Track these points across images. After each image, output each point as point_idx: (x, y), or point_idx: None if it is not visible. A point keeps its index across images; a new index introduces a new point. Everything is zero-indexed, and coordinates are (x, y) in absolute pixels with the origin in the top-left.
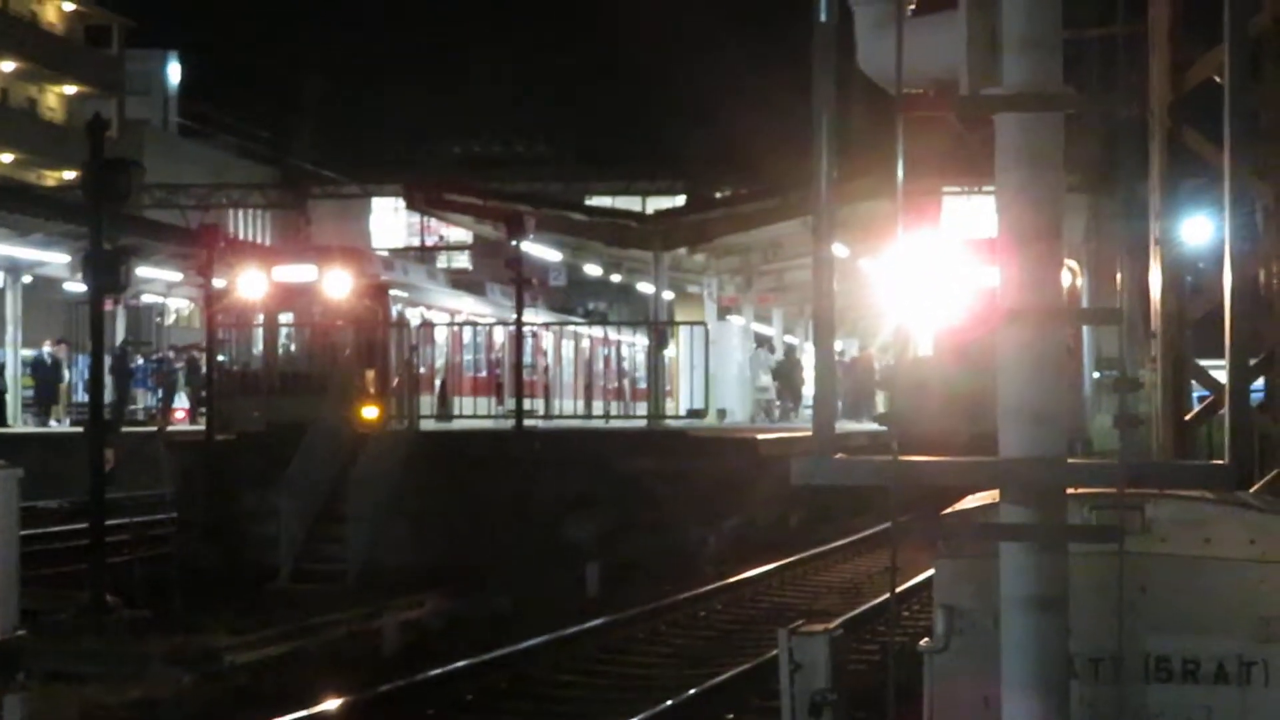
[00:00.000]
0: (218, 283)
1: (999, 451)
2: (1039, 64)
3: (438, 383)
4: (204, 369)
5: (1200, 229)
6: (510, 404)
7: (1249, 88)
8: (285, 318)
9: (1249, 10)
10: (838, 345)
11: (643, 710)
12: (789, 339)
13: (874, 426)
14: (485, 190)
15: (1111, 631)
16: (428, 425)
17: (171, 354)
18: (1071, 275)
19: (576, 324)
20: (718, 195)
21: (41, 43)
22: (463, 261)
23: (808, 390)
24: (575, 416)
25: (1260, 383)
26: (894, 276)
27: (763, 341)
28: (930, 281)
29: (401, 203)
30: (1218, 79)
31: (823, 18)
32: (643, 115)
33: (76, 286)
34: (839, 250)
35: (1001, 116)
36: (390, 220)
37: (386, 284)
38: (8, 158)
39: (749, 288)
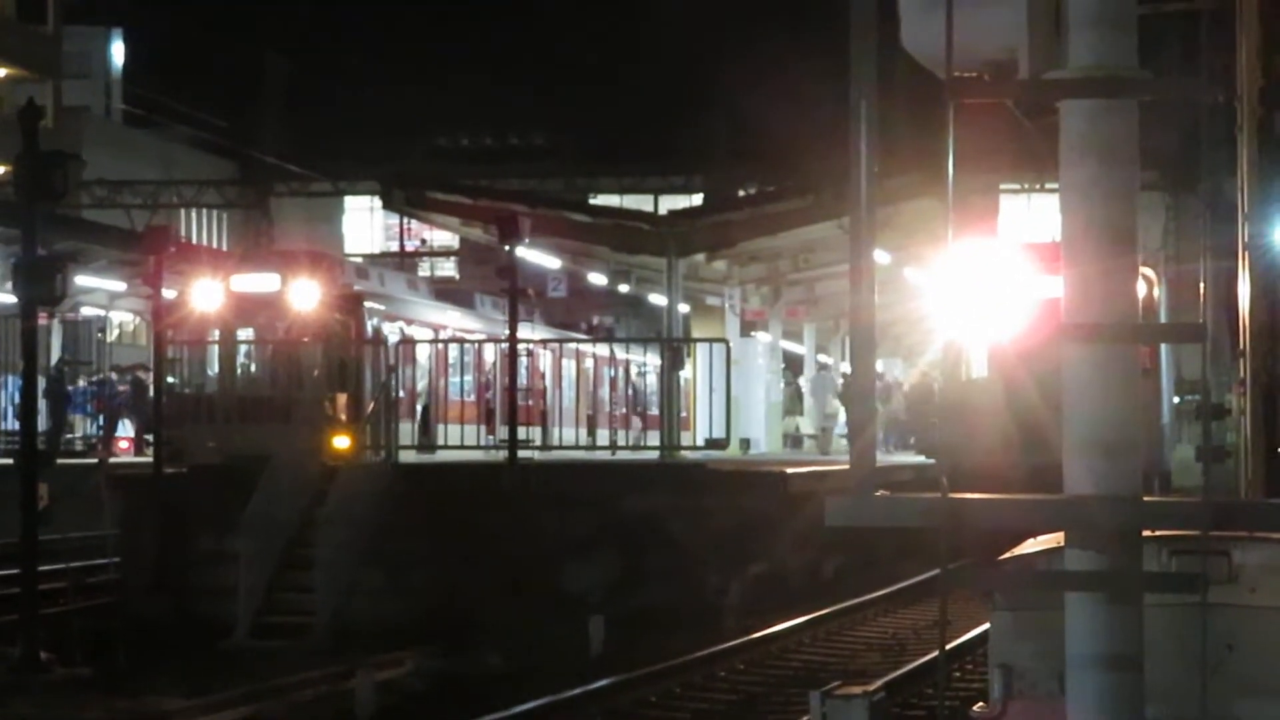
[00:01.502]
0: (167, 293)
1: (1064, 488)
2: (1110, 44)
3: (419, 408)
4: (151, 392)
5: None
6: (503, 433)
7: None
8: (245, 333)
9: None
10: (878, 366)
11: None
12: (822, 358)
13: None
14: (474, 188)
15: (1194, 694)
16: (408, 457)
17: (114, 375)
18: (1148, 285)
19: (579, 341)
20: (741, 194)
21: None
22: (449, 270)
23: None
24: (577, 447)
25: None
26: (943, 285)
27: (822, 366)
28: (985, 291)
29: (378, 202)
30: None
31: None
32: (655, 102)
33: (4, 298)
34: (880, 256)
35: (1067, 104)
36: (365, 222)
37: (361, 295)
38: None
39: (776, 299)
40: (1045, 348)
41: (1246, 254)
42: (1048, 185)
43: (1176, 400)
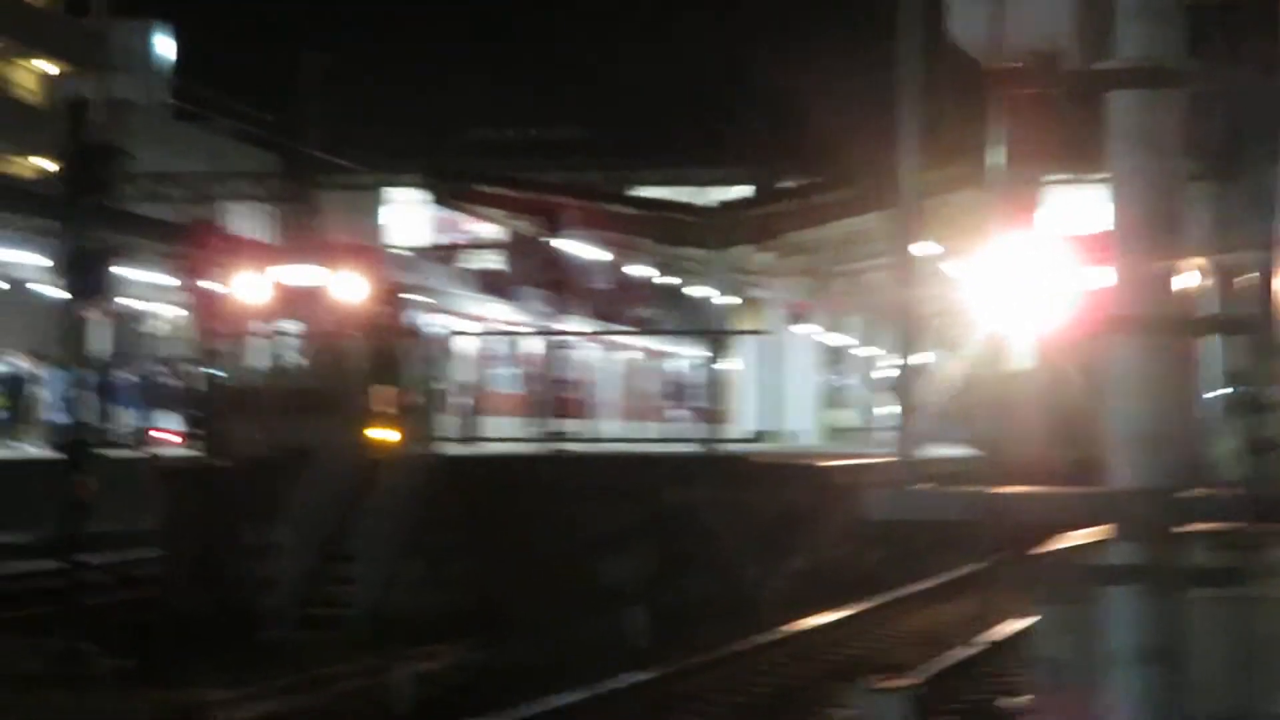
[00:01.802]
0: (213, 286)
1: (1108, 481)
2: (1157, 34)
3: (464, 401)
4: (198, 385)
5: None
6: (546, 425)
7: None
8: (290, 326)
9: None
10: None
11: None
12: (867, 350)
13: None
14: (519, 180)
15: (1236, 688)
16: (451, 449)
17: (161, 368)
18: (1200, 274)
19: (623, 333)
20: (785, 185)
21: (13, 12)
22: (492, 262)
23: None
24: (621, 440)
25: None
26: (986, 276)
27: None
28: (1028, 282)
29: (420, 195)
30: None
31: None
32: (698, 93)
33: (51, 291)
34: (926, 248)
35: (1114, 94)
36: (408, 215)
37: (405, 287)
38: None
39: (821, 291)
40: (1090, 339)
41: None
42: (1094, 176)
43: (1221, 393)
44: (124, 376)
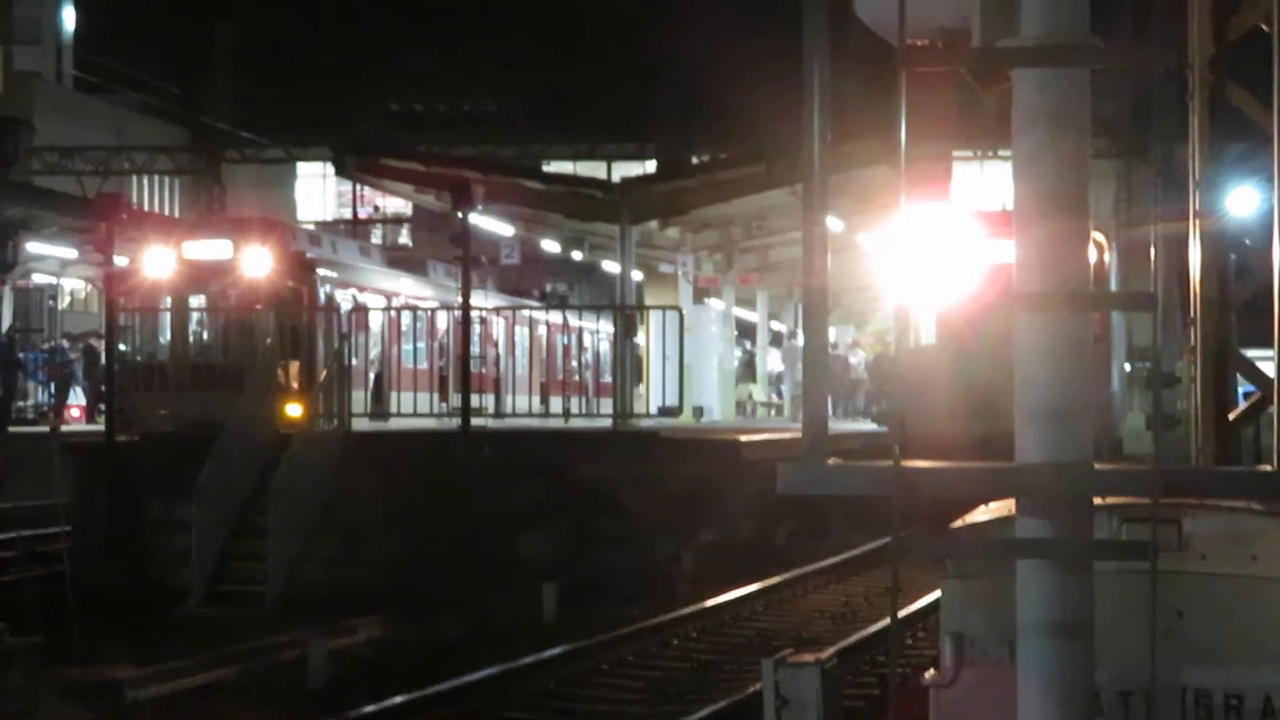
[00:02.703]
0: (119, 260)
1: (1015, 456)
2: (1062, 11)
3: (372, 376)
4: (103, 360)
5: (1247, 200)
6: (456, 401)
7: None
8: (197, 301)
9: None
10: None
11: None
12: (775, 325)
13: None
14: (427, 154)
15: (1144, 662)
16: (361, 425)
17: (66, 343)
18: (1098, 250)
19: (532, 308)
20: (694, 161)
21: None
22: (401, 237)
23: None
24: (530, 415)
25: None
26: (893, 251)
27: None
28: (935, 256)
29: (330, 169)
30: (1265, 28)
31: None
32: (607, 68)
33: None
34: (833, 224)
35: (1020, 72)
36: (318, 189)
37: (313, 262)
38: None
39: (730, 267)
40: (993, 314)
41: (1198, 222)
42: (1000, 153)
43: (1128, 368)
44: (30, 351)
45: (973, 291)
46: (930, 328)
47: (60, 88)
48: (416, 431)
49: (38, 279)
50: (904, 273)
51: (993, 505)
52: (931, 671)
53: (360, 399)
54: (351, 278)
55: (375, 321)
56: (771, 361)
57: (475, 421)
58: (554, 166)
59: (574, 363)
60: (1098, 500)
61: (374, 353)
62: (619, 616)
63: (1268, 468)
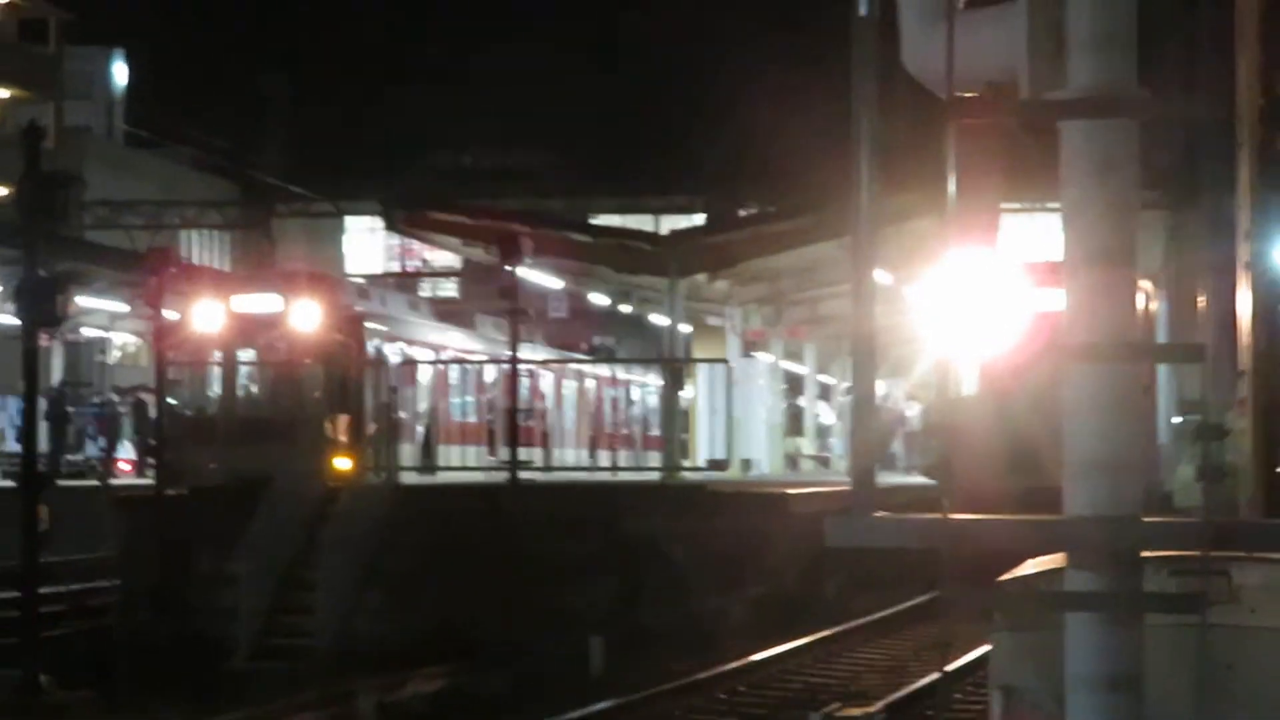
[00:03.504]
0: (169, 314)
1: (1064, 508)
2: (1110, 63)
3: (421, 429)
4: (153, 413)
5: None
6: (504, 453)
7: None
8: (246, 354)
9: None
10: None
11: None
12: (823, 378)
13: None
14: (475, 208)
15: (1193, 716)
16: (409, 478)
17: (115, 396)
18: (1145, 298)
19: (580, 362)
20: (742, 214)
21: None
22: (450, 290)
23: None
24: (578, 468)
25: None
26: (935, 300)
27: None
28: (976, 306)
29: (379, 223)
30: None
31: (863, 10)
32: (656, 121)
33: (5, 319)
34: (881, 276)
35: (1067, 123)
36: (367, 243)
37: (362, 315)
38: None
39: (778, 320)
40: (1036, 365)
41: (1247, 273)
42: (1049, 205)
43: (1177, 420)
44: (80, 404)
45: (1017, 342)
46: (973, 379)
47: (111, 143)
48: (465, 485)
49: (87, 333)
50: (946, 322)
51: (1043, 558)
52: None
53: (409, 452)
54: (400, 331)
55: (424, 375)
56: (822, 414)
57: (523, 474)
58: (601, 219)
59: (622, 415)
60: (1147, 553)
61: (422, 406)
62: (667, 669)
63: None
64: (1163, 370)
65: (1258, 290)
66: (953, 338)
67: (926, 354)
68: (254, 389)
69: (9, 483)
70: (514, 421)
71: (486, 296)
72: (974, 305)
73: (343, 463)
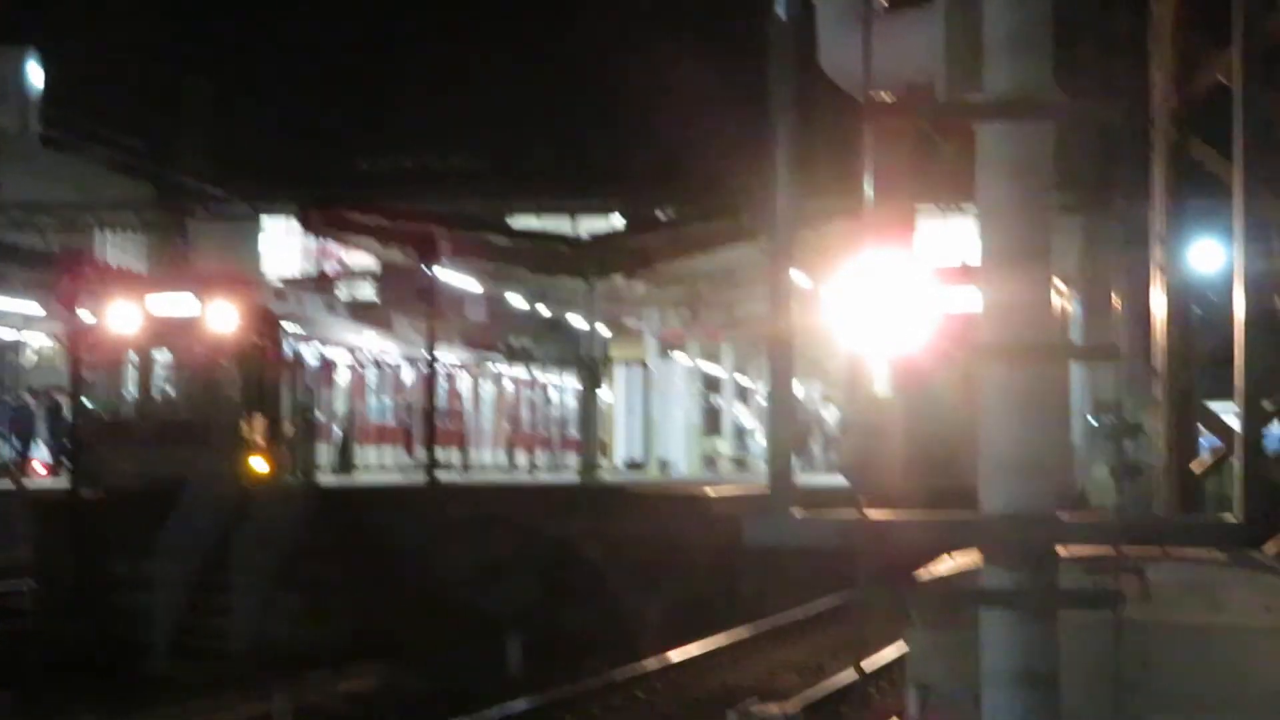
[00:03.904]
0: (83, 315)
1: (981, 506)
2: (1026, 67)
3: (338, 430)
4: (68, 415)
5: (1209, 254)
6: (421, 455)
7: (1262, 94)
8: (162, 356)
9: (1262, 7)
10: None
11: None
12: (741, 379)
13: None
14: (392, 209)
15: (1109, 712)
16: (326, 480)
17: (30, 398)
18: (1060, 299)
19: (497, 363)
20: (660, 216)
21: None
22: (368, 293)
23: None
24: (496, 469)
25: (1277, 428)
26: (850, 301)
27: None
28: (889, 307)
29: (297, 225)
30: (1227, 83)
31: (781, 13)
32: (573, 124)
33: None
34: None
35: (984, 125)
36: (284, 245)
37: (279, 317)
38: None
39: (695, 321)
40: (944, 365)
41: (1161, 276)
42: (965, 206)
43: (1092, 421)
44: None
45: (924, 342)
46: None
47: (26, 143)
48: (382, 486)
49: (1, 334)
50: (859, 323)
51: (958, 557)
52: None
53: (326, 453)
54: (317, 332)
55: (341, 376)
56: (739, 414)
57: (441, 476)
58: (520, 222)
59: (540, 417)
60: (1062, 551)
61: (340, 407)
62: (585, 669)
63: (1230, 518)
64: (1077, 371)
65: (1171, 292)
66: (866, 338)
67: (841, 355)
68: (170, 391)
69: None
70: (431, 423)
71: (404, 298)
72: (887, 306)
73: (259, 464)
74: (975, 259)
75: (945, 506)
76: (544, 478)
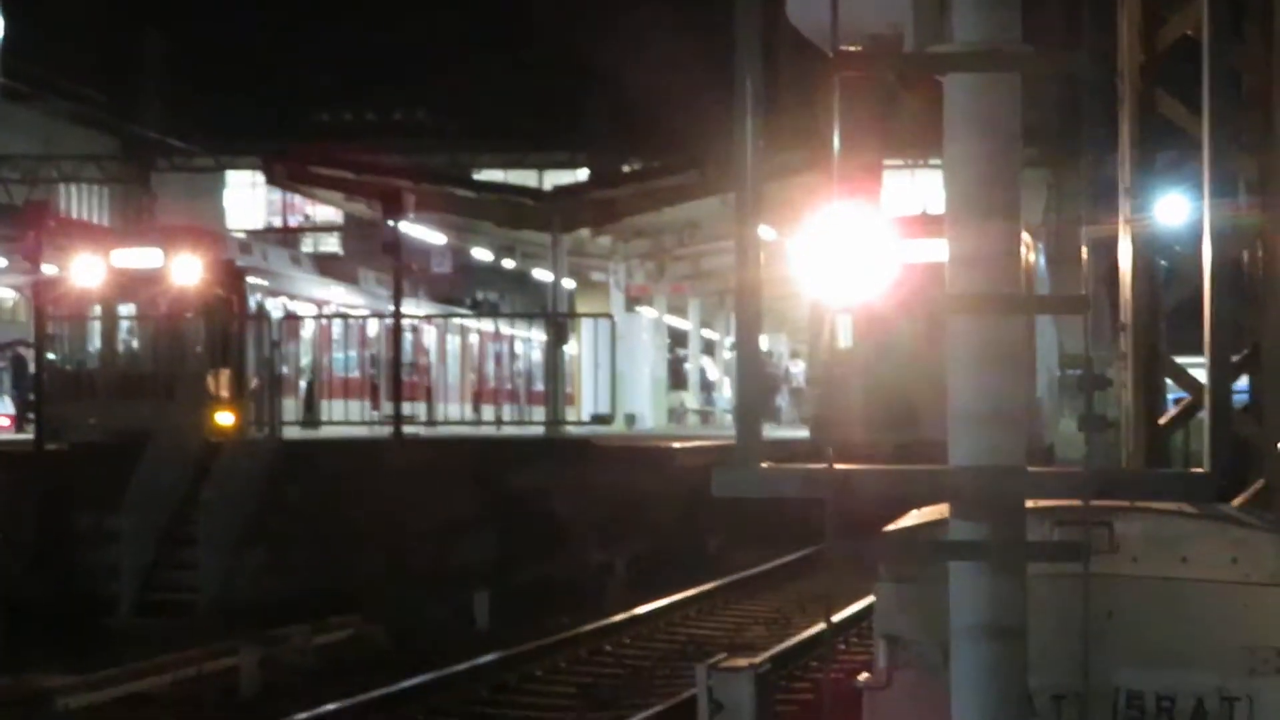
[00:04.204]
0: (47, 269)
1: (949, 459)
2: (993, 18)
3: (303, 384)
4: (32, 368)
5: (1176, 208)
6: (387, 409)
7: (1230, 48)
8: (126, 309)
9: None
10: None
11: None
12: (707, 333)
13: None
14: (357, 162)
15: (1076, 664)
16: (291, 433)
17: None
18: (1026, 249)
19: (463, 317)
20: (625, 169)
21: None
22: (332, 245)
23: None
24: (462, 423)
25: (1244, 382)
26: (815, 253)
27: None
28: (852, 259)
29: (261, 178)
30: (1194, 36)
31: None
32: (539, 76)
33: None
34: (766, 232)
35: (951, 77)
36: (248, 198)
37: (243, 270)
38: None
39: (661, 275)
40: (905, 316)
41: (1128, 229)
42: (932, 161)
43: (1059, 373)
44: None
45: (886, 293)
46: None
47: None
48: (348, 440)
49: None
50: (820, 272)
51: (927, 509)
52: (865, 675)
53: (291, 407)
54: (282, 286)
55: (306, 330)
56: (706, 368)
57: (407, 429)
58: (485, 175)
59: (506, 370)
60: (1030, 503)
61: (305, 361)
62: (552, 624)
63: (1197, 471)
64: (1048, 323)
65: (1138, 245)
66: (830, 291)
67: (806, 308)
68: (135, 344)
69: None
70: (397, 376)
71: (369, 252)
72: (850, 257)
73: (224, 418)
74: (938, 210)
75: (909, 460)
76: (510, 431)
